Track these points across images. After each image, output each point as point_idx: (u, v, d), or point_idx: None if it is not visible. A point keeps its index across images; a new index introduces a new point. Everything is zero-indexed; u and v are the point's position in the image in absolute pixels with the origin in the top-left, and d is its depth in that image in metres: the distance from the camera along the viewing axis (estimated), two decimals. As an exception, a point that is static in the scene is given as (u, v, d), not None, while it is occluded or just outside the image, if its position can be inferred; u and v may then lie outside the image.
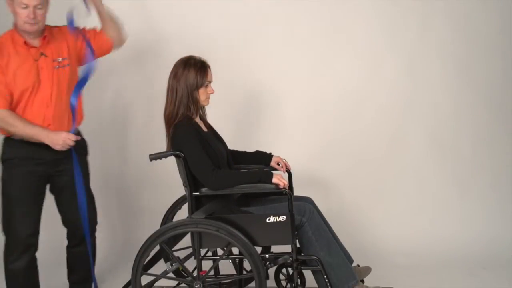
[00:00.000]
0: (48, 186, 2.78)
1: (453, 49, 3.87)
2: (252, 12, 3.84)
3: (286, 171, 2.87)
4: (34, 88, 2.62)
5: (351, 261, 2.74)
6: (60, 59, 2.72)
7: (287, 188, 2.45)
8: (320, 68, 3.88)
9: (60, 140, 2.59)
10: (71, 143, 2.63)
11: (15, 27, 2.65)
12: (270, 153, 2.89)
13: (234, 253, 2.76)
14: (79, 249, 2.89)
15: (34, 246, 2.72)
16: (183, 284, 2.68)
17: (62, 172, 2.76)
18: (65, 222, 2.88)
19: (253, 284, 2.42)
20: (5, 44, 2.61)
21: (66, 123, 2.71)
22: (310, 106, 3.90)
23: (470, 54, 3.87)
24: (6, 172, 2.66)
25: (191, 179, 2.48)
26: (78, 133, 2.80)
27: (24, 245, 2.67)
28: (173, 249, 2.63)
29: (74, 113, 2.71)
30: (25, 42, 2.63)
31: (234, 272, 2.89)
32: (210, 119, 2.78)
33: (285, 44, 3.87)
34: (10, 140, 2.64)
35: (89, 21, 2.86)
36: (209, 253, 2.76)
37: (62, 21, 2.81)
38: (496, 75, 3.87)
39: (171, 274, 2.63)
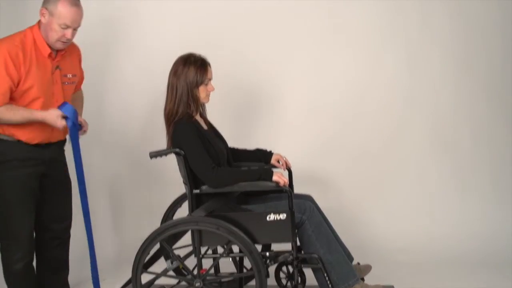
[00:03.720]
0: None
1: (452, 45, 3.87)
2: (251, 10, 3.83)
3: (286, 169, 2.87)
4: (46, 100, 2.57)
5: (352, 259, 2.74)
6: (70, 76, 2.71)
7: (287, 186, 2.45)
8: (320, 65, 3.88)
9: (54, 115, 2.51)
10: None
11: (40, 31, 2.54)
12: (270, 151, 2.88)
13: (235, 251, 2.76)
14: (59, 251, 2.84)
15: (33, 247, 2.71)
16: (183, 282, 2.67)
17: (57, 168, 2.74)
18: (51, 221, 2.77)
19: (253, 282, 2.42)
20: (27, 47, 2.51)
21: (64, 132, 2.70)
22: (310, 103, 3.90)
23: (469, 49, 3.86)
24: (3, 174, 2.56)
25: (191, 177, 2.48)
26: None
27: (27, 246, 2.65)
28: (173, 247, 2.63)
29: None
30: (50, 54, 2.57)
31: (235, 270, 2.89)
32: (210, 117, 2.78)
33: (285, 41, 3.87)
34: (7, 141, 2.55)
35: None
36: (209, 251, 2.76)
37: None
38: (496, 70, 3.87)
39: (171, 272, 2.63)
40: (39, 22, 2.56)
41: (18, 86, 2.48)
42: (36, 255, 2.79)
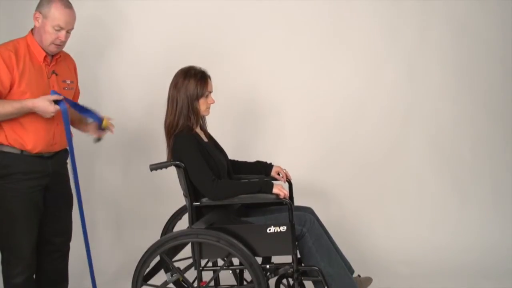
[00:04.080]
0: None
1: (453, 54, 3.89)
2: (251, 20, 3.86)
3: (287, 181, 2.86)
4: None
5: (352, 271, 2.72)
6: (69, 82, 2.72)
7: (287, 198, 2.45)
8: (320, 77, 3.90)
9: (45, 99, 2.47)
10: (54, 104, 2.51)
11: (34, 37, 2.57)
12: (270, 163, 2.89)
13: (235, 263, 2.75)
14: (58, 264, 2.83)
15: (35, 261, 2.69)
16: (183, 295, 2.67)
17: (59, 181, 2.74)
18: (52, 234, 2.76)
19: (253, 294, 2.41)
20: (21, 51, 2.53)
21: (65, 140, 2.69)
22: (310, 115, 3.92)
23: (470, 59, 3.90)
24: (7, 188, 2.55)
25: (191, 189, 2.48)
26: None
27: (28, 260, 2.63)
28: (173, 259, 2.63)
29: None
30: (45, 58, 2.58)
31: (235, 283, 2.88)
32: (211, 129, 2.79)
33: (284, 51, 3.89)
34: (11, 154, 2.54)
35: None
36: (210, 264, 2.76)
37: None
38: (496, 81, 3.90)
39: (171, 285, 2.63)
40: (33, 28, 2.59)
41: (11, 89, 2.49)
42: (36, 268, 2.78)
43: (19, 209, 2.57)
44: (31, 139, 2.55)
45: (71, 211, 2.85)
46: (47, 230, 2.73)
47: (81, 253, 2.87)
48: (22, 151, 2.55)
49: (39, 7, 2.55)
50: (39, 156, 2.59)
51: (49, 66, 2.62)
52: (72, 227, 2.88)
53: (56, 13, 2.51)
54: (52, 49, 2.58)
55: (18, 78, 2.49)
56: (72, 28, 2.59)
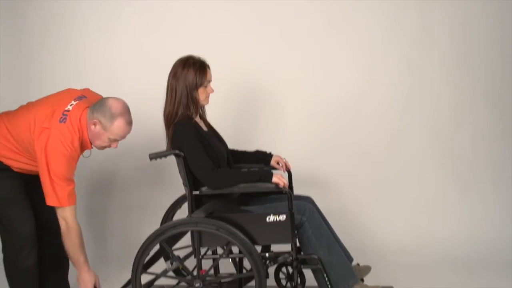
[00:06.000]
0: None
1: (452, 45, 3.88)
2: (250, 11, 3.85)
3: (286, 170, 2.87)
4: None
5: (351, 260, 2.74)
6: None
7: (287, 187, 2.45)
8: (320, 67, 3.89)
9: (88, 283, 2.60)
10: None
11: (86, 132, 2.56)
12: (270, 153, 2.89)
13: (234, 252, 2.77)
14: (59, 249, 2.82)
15: (37, 244, 2.72)
16: (183, 283, 2.68)
17: None
18: (51, 219, 2.74)
19: (253, 283, 2.42)
20: (79, 148, 2.57)
21: None
22: (310, 105, 3.91)
23: (469, 50, 3.87)
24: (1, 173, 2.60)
25: (191, 178, 2.48)
26: None
27: (31, 241, 2.66)
28: (173, 248, 2.64)
29: None
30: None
31: (234, 271, 2.89)
32: (210, 119, 2.78)
33: (284, 42, 3.88)
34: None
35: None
36: (209, 252, 2.77)
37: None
38: (495, 72, 3.88)
39: (171, 273, 2.63)
40: (87, 114, 2.55)
41: None
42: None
43: (7, 193, 2.61)
44: (21, 166, 2.63)
45: None
46: (47, 215, 2.73)
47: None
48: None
49: (98, 115, 2.51)
50: (28, 175, 2.67)
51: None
52: None
53: (117, 130, 2.53)
54: (100, 150, 2.65)
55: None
56: None
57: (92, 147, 2.64)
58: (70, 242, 2.56)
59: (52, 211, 2.71)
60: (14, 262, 2.67)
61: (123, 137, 2.58)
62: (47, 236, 2.80)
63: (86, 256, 2.61)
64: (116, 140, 2.58)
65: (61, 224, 2.55)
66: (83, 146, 2.60)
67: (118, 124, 2.51)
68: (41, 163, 2.46)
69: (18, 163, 2.62)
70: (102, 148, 2.64)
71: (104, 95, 2.66)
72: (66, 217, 2.53)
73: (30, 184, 2.69)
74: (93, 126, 2.53)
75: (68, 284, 2.96)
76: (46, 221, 2.77)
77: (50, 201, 2.51)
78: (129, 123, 2.56)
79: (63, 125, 2.50)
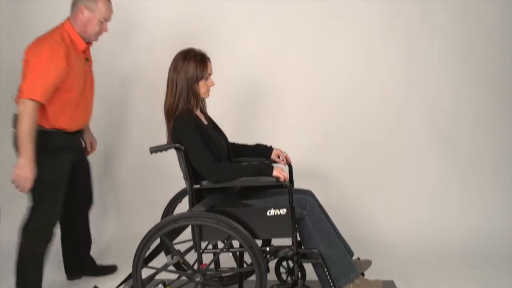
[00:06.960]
0: None
1: (452, 37, 3.86)
2: (251, 5, 3.83)
3: (287, 164, 2.86)
4: (81, 91, 2.77)
5: (352, 254, 2.74)
6: (91, 64, 2.94)
7: (287, 181, 2.45)
8: (319, 59, 3.88)
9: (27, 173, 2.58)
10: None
11: (74, 28, 2.73)
12: (270, 146, 2.88)
13: (235, 246, 2.76)
14: (86, 224, 3.15)
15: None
16: (183, 277, 2.68)
17: (82, 154, 3.06)
18: (81, 192, 3.03)
19: (253, 277, 2.42)
20: (68, 44, 2.69)
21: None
22: (309, 98, 3.90)
23: (469, 41, 3.86)
24: (49, 160, 2.69)
25: (191, 172, 2.48)
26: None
27: (52, 230, 2.80)
28: (173, 242, 2.63)
29: None
30: (84, 49, 2.79)
31: (235, 265, 2.89)
32: (211, 112, 2.78)
33: (283, 33, 3.87)
34: (49, 131, 2.70)
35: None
36: (210, 246, 2.77)
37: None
38: (495, 62, 3.86)
39: (171, 267, 2.63)
40: (69, 19, 2.75)
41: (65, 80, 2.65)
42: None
43: (58, 180, 2.76)
44: (69, 122, 2.76)
45: (91, 177, 3.14)
46: (75, 193, 2.97)
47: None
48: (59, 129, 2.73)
49: (83, 1, 2.71)
50: (72, 133, 2.80)
51: (84, 54, 2.82)
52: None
53: (102, 8, 2.75)
54: (94, 38, 2.81)
55: (67, 74, 2.65)
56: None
57: (86, 43, 2.78)
58: (24, 126, 2.53)
59: (79, 190, 3.00)
60: (31, 244, 2.73)
61: (110, 15, 2.79)
62: (73, 213, 3.04)
63: (34, 150, 2.57)
64: (105, 20, 2.78)
65: (20, 110, 2.55)
66: (74, 44, 2.73)
67: (102, 1, 2.75)
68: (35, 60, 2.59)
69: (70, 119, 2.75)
70: (96, 36, 2.80)
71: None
72: (30, 110, 2.55)
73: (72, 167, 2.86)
74: (81, 15, 2.72)
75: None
76: (77, 199, 3.01)
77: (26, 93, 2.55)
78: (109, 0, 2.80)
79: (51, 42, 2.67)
